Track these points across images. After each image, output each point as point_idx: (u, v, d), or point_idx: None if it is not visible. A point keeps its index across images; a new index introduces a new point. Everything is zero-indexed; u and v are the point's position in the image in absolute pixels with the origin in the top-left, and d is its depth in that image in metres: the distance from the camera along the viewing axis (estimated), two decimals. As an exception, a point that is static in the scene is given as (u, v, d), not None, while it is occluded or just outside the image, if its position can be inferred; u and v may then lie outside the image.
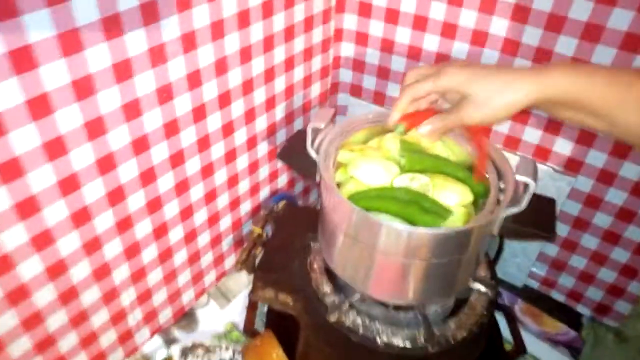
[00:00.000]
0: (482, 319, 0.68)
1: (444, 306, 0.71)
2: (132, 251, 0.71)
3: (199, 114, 0.69)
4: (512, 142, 0.84)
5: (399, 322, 0.68)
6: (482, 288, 0.70)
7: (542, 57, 0.74)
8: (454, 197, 0.61)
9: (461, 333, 0.65)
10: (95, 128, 0.56)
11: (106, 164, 0.60)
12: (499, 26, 0.75)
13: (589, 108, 0.48)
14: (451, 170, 0.63)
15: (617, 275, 0.86)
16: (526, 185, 0.58)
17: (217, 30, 0.64)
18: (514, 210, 0.59)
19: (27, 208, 0.54)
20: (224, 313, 0.89)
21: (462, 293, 0.70)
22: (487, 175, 0.64)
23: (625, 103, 0.46)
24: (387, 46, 0.87)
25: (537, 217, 0.62)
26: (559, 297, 0.96)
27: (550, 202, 0.66)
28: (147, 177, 0.66)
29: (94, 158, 0.58)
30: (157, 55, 0.58)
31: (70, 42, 0.49)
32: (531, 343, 0.87)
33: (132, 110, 0.59)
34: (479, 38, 0.78)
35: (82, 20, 0.49)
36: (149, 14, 0.55)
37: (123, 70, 0.56)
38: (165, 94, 0.62)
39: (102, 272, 0.68)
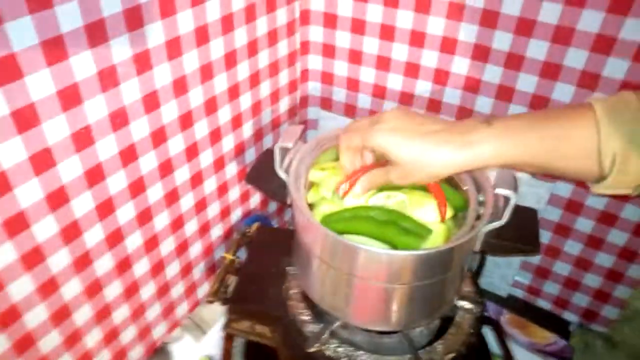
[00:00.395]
0: (470, 338, 0.65)
1: (429, 326, 0.68)
2: (93, 289, 0.65)
3: (159, 137, 0.65)
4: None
5: (383, 349, 0.64)
6: (468, 305, 0.67)
7: (513, 62, 0.72)
8: (433, 213, 0.58)
9: (449, 356, 0.62)
10: (43, 159, 0.52)
11: (58, 198, 0.55)
12: (468, 32, 0.73)
13: (524, 167, 0.47)
14: (428, 185, 0.60)
15: (603, 280, 0.84)
16: (507, 199, 0.56)
17: (174, 47, 0.60)
18: (495, 225, 0.56)
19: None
20: (199, 346, 0.84)
21: (447, 312, 0.67)
22: (464, 188, 0.62)
23: (562, 156, 0.45)
24: (355, 57, 0.84)
25: (520, 231, 0.60)
26: (544, 304, 0.94)
27: (531, 213, 0.64)
28: (105, 208, 0.62)
29: (42, 193, 0.53)
30: (108, 78, 0.54)
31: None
32: (520, 356, 0.84)
33: (82, 138, 0.55)
34: (448, 45, 0.76)
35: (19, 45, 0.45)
36: (96, 34, 0.51)
37: (71, 96, 0.51)
38: (119, 119, 0.58)
39: (61, 315, 0.62)
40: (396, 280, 0.55)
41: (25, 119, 0.48)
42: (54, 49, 0.48)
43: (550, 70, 0.70)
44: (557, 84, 0.71)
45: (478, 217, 0.57)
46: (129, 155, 0.61)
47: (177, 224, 0.75)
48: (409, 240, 0.54)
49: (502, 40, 0.71)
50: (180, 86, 0.64)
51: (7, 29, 0.44)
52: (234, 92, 0.74)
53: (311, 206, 0.61)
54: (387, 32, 0.79)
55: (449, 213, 0.59)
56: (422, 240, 0.54)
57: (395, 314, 0.59)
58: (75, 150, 0.54)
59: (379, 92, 0.86)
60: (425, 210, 0.57)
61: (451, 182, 0.63)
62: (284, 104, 0.88)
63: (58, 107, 0.51)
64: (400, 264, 0.52)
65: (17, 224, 0.52)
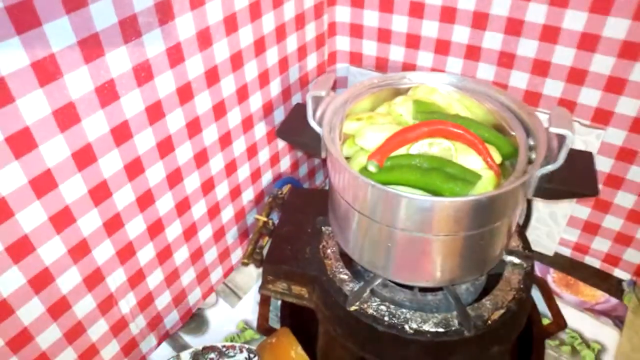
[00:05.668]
0: (520, 294, 0.61)
1: (476, 283, 0.64)
2: (125, 252, 0.64)
3: (185, 94, 0.62)
4: (533, 98, 0.77)
5: (427, 306, 0.61)
6: (516, 260, 0.63)
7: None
8: (480, 160, 0.54)
9: (498, 312, 0.59)
10: (85, 155, 0.51)
11: (84, 156, 0.53)
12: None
13: None
14: (475, 130, 0.55)
15: (658, 234, 0.79)
16: (562, 139, 0.51)
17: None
18: (550, 168, 0.52)
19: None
20: (235, 311, 0.83)
21: (494, 267, 0.63)
22: (513, 133, 0.57)
23: None
24: (386, 5, 0.79)
25: (575, 174, 0.55)
26: (592, 262, 0.89)
27: (585, 155, 0.59)
28: (133, 169, 0.59)
29: (69, 151, 0.51)
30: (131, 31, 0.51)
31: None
32: (569, 314, 0.80)
33: (107, 94, 0.52)
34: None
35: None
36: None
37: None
38: (144, 73, 0.55)
39: (94, 279, 0.61)
40: (442, 231, 0.51)
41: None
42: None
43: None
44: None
45: (529, 162, 0.53)
46: (155, 112, 0.59)
47: (208, 186, 0.73)
48: (456, 187, 0.50)
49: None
50: (204, 40, 0.61)
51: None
52: (260, 46, 0.70)
53: (348, 159, 0.58)
54: (420, -25, 0.74)
55: (497, 159, 0.55)
56: (470, 186, 0.51)
57: (440, 269, 0.56)
58: (100, 106, 0.52)
59: (413, 43, 0.81)
60: (474, 158, 0.53)
61: (498, 128, 0.58)
62: (311, 61, 0.84)
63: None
64: (448, 211, 0.49)
65: (45, 185, 0.51)
